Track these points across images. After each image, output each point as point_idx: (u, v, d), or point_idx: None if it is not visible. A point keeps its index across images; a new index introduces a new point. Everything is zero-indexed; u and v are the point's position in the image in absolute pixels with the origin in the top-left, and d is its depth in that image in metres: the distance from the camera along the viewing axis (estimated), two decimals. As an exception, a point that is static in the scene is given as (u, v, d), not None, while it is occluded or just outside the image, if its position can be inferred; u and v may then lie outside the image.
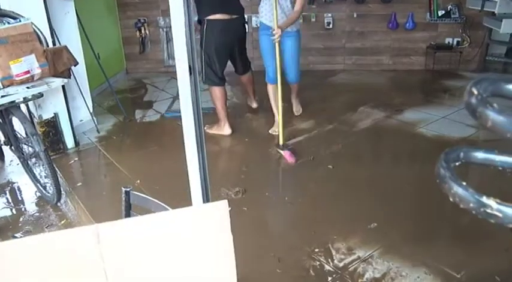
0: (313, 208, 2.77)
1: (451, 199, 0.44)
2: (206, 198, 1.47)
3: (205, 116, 3.87)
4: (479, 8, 5.16)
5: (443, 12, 5.61)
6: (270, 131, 3.90)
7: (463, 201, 0.42)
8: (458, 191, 0.42)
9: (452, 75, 5.52)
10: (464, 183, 0.43)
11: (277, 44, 3.47)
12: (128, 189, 1.41)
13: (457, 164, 0.46)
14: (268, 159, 3.48)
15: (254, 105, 4.51)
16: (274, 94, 3.74)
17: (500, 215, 0.39)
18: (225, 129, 3.88)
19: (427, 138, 3.75)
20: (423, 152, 3.53)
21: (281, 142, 3.54)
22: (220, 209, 0.73)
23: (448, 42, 5.75)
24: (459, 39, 5.73)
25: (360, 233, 2.45)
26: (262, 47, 3.83)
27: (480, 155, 0.47)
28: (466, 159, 0.47)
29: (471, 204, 0.41)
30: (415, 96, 4.88)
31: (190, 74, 1.48)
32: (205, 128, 3.86)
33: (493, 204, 0.40)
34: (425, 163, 3.21)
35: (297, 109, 4.29)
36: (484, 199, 0.40)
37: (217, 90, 3.81)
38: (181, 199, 1.58)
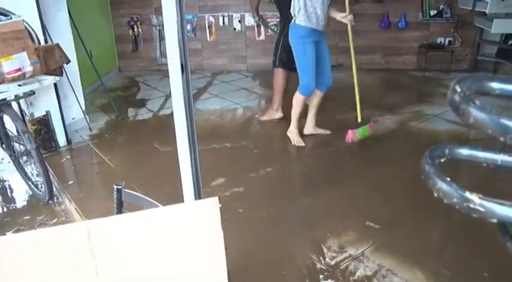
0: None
1: (435, 194, 0.45)
2: (198, 195, 1.48)
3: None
4: (471, 8, 5.21)
5: (435, 11, 5.65)
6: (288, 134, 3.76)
7: (447, 196, 0.43)
8: (442, 186, 0.43)
9: (444, 74, 5.56)
10: (448, 179, 0.44)
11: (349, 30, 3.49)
12: (120, 187, 1.41)
13: (442, 160, 0.47)
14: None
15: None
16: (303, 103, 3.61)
17: (482, 209, 0.40)
18: (277, 113, 4.14)
19: (420, 136, 3.79)
20: (415, 149, 3.55)
21: (359, 119, 3.66)
22: (211, 205, 0.73)
23: (440, 42, 5.79)
24: (451, 39, 5.78)
25: (355, 230, 2.47)
26: (308, 57, 3.40)
27: (465, 151, 0.47)
28: (451, 156, 0.48)
29: (454, 199, 0.42)
30: (407, 94, 4.91)
31: (183, 72, 1.48)
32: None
33: (475, 199, 0.41)
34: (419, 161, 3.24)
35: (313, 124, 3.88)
36: (467, 194, 0.41)
37: (282, 74, 4.01)
38: (174, 196, 1.58)
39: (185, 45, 1.48)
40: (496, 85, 0.45)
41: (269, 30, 5.58)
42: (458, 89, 0.42)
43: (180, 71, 1.47)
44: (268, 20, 5.44)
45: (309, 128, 3.80)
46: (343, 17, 3.44)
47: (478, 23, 5.40)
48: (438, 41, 5.79)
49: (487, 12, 5.09)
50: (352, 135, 3.58)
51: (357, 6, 5.68)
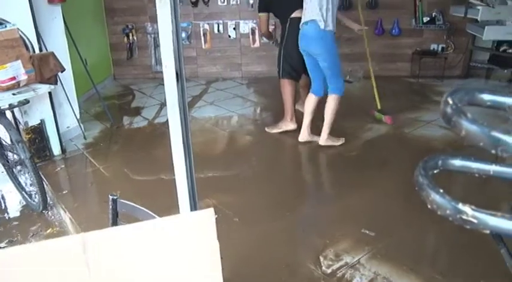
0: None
1: (429, 206, 0.45)
2: (194, 206, 1.47)
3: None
4: (463, 15, 5.25)
5: (428, 18, 5.71)
6: (300, 139, 3.79)
7: (440, 208, 0.43)
8: (436, 198, 0.44)
9: (437, 80, 5.60)
10: (441, 191, 0.45)
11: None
12: (115, 197, 1.40)
13: (435, 171, 0.48)
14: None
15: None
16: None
17: (475, 221, 0.41)
18: (291, 124, 4.00)
19: (414, 143, 3.80)
20: (410, 156, 3.57)
21: (379, 107, 4.14)
22: (207, 216, 0.73)
23: (433, 48, 5.84)
24: (444, 46, 5.83)
25: (350, 237, 2.47)
26: (337, 56, 3.55)
27: (457, 162, 0.48)
28: (444, 167, 0.49)
29: (448, 211, 0.42)
30: (402, 101, 4.94)
31: (178, 81, 1.48)
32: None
33: (468, 211, 0.41)
34: (415, 168, 3.25)
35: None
36: (460, 206, 0.42)
37: (289, 84, 3.96)
38: (170, 206, 1.58)
39: (180, 54, 1.48)
40: (486, 97, 0.46)
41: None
42: (450, 101, 0.42)
43: (175, 80, 1.47)
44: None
45: (305, 135, 3.78)
46: (360, 29, 3.86)
47: (470, 29, 5.46)
48: (431, 47, 5.84)
49: (478, 19, 5.14)
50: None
51: (351, 14, 5.71)
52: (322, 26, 3.34)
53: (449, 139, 3.79)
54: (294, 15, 3.80)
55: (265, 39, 5.52)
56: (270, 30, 4.30)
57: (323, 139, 3.68)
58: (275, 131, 4.04)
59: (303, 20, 3.48)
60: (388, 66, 5.94)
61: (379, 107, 4.30)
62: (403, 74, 5.89)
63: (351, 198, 2.92)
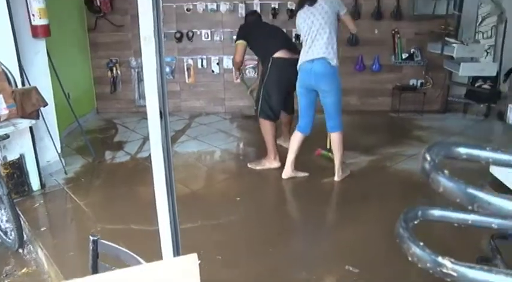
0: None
1: (409, 258, 0.46)
2: (176, 250, 1.45)
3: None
4: (440, 52, 5.46)
5: (407, 55, 5.90)
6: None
7: (421, 261, 0.44)
8: (416, 251, 0.44)
9: (417, 115, 5.73)
10: (421, 244, 0.45)
11: None
12: (96, 238, 1.37)
13: (415, 222, 0.49)
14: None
15: (287, 145, 4.54)
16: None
17: (455, 274, 0.41)
18: (275, 162, 3.97)
19: (396, 177, 3.84)
20: (392, 190, 3.60)
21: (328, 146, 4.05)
22: (190, 262, 0.72)
23: (413, 84, 6.01)
24: (422, 81, 6.01)
25: (334, 274, 2.45)
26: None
27: (436, 212, 0.49)
28: (424, 217, 0.50)
29: (428, 264, 0.43)
30: (383, 135, 5.02)
31: (161, 118, 1.48)
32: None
33: (447, 264, 0.42)
34: (398, 202, 3.28)
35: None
36: (440, 259, 0.42)
37: (268, 124, 3.94)
38: (153, 245, 1.55)
39: (164, 92, 1.48)
40: (462, 150, 0.47)
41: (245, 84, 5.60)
42: (428, 158, 0.44)
43: (158, 118, 1.47)
44: (246, 62, 5.53)
45: (289, 171, 3.76)
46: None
47: (447, 66, 5.66)
48: (411, 83, 6.01)
49: (454, 56, 5.35)
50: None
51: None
52: (332, 63, 3.41)
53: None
54: (277, 55, 3.85)
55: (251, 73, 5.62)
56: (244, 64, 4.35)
57: (338, 175, 3.70)
58: (258, 167, 4.02)
59: (305, 58, 3.46)
60: (370, 101, 6.06)
61: (328, 146, 4.09)
62: (384, 108, 6.02)
63: (334, 233, 2.92)
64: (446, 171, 0.43)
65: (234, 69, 4.42)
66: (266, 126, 3.96)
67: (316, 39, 3.40)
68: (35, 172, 3.61)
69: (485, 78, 5.74)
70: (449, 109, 6.04)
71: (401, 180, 3.78)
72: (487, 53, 5.73)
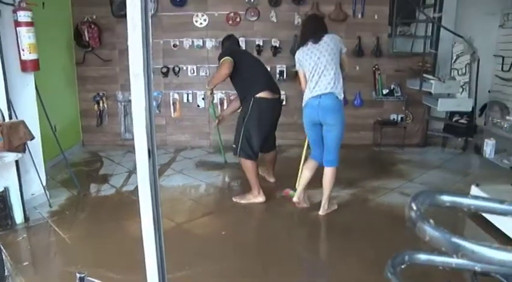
0: None
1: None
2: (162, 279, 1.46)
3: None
4: (418, 88, 5.67)
5: (387, 90, 6.11)
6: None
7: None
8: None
9: (398, 148, 5.88)
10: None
11: None
12: (83, 275, 1.38)
13: (402, 266, 0.55)
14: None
15: (272, 179, 4.60)
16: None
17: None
18: (259, 197, 4.02)
19: (378, 210, 3.92)
20: (374, 224, 3.66)
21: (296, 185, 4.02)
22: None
23: (393, 119, 6.20)
24: (403, 116, 6.21)
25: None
26: None
27: (423, 257, 0.55)
28: (411, 262, 0.56)
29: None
30: (365, 169, 5.12)
31: (149, 157, 1.46)
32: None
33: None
34: (380, 236, 3.34)
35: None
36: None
37: (249, 163, 3.97)
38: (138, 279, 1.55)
39: (152, 131, 1.46)
40: (446, 198, 0.54)
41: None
42: (414, 207, 0.50)
43: (147, 156, 1.44)
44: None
45: (301, 197, 3.86)
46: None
47: (426, 101, 5.87)
48: (391, 117, 6.20)
49: (432, 92, 5.57)
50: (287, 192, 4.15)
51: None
52: (340, 97, 3.51)
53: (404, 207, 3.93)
54: (260, 95, 3.89)
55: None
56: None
57: (324, 209, 3.75)
58: (243, 201, 4.05)
59: (312, 95, 3.52)
60: (352, 135, 6.19)
61: (296, 185, 4.09)
62: (366, 142, 6.16)
63: (318, 268, 2.94)
64: (431, 221, 0.49)
65: (208, 87, 4.21)
66: (247, 165, 3.99)
67: (323, 74, 3.46)
68: (19, 205, 3.57)
69: (462, 113, 5.97)
70: (428, 143, 6.22)
71: (383, 213, 3.85)
72: (463, 89, 5.97)
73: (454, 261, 0.54)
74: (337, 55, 3.50)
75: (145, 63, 1.43)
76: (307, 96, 3.57)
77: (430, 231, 0.47)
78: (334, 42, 3.49)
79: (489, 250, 0.44)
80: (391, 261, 0.54)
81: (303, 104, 3.62)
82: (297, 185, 4.03)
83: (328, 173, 3.66)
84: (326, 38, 3.50)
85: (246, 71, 3.99)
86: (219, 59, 4.05)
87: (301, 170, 3.93)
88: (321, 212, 3.75)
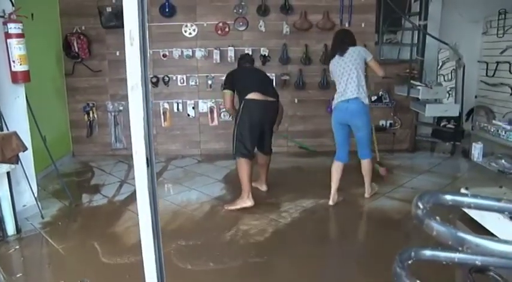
0: None
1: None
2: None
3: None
4: (406, 94, 5.77)
5: (376, 97, 6.19)
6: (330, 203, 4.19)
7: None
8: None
9: (388, 154, 5.95)
10: (418, 281, 0.55)
11: None
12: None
13: (409, 262, 0.58)
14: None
15: (264, 188, 4.60)
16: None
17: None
18: (248, 201, 4.07)
19: (371, 214, 3.97)
20: (368, 227, 3.71)
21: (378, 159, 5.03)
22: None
23: (382, 124, 6.28)
24: (391, 121, 6.30)
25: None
26: None
27: (428, 252, 0.59)
28: (417, 257, 0.59)
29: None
30: (356, 174, 5.16)
31: (148, 166, 1.46)
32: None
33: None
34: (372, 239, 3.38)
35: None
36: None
37: (244, 162, 4.04)
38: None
39: (150, 140, 1.46)
40: (448, 197, 0.58)
41: None
42: (421, 206, 0.54)
43: (145, 165, 1.45)
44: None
45: (335, 198, 4.20)
46: None
47: (414, 107, 5.97)
48: (380, 123, 6.28)
49: (419, 98, 5.67)
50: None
51: (304, 93, 6.13)
52: (365, 102, 4.00)
53: (402, 209, 3.99)
54: (249, 96, 4.02)
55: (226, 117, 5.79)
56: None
57: (368, 192, 4.34)
58: (232, 207, 4.09)
59: (341, 99, 4.01)
60: (342, 141, 6.26)
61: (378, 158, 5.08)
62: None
63: (307, 270, 2.96)
64: (437, 218, 0.53)
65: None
66: (242, 165, 4.06)
67: (348, 82, 3.96)
68: (11, 217, 3.54)
69: (449, 118, 6.09)
70: (417, 148, 6.32)
71: (376, 216, 3.91)
72: (449, 94, 6.10)
73: (456, 256, 0.57)
74: (361, 64, 3.99)
75: (143, 74, 1.46)
76: (336, 100, 4.09)
77: (437, 227, 0.51)
78: (358, 53, 3.98)
79: (491, 243, 0.47)
80: (399, 257, 0.58)
81: (333, 107, 4.18)
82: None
83: (366, 163, 4.25)
84: (350, 50, 4.00)
85: (241, 85, 4.17)
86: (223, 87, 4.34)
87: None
88: (366, 195, 4.33)
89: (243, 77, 4.26)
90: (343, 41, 4.10)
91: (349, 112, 3.99)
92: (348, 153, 4.20)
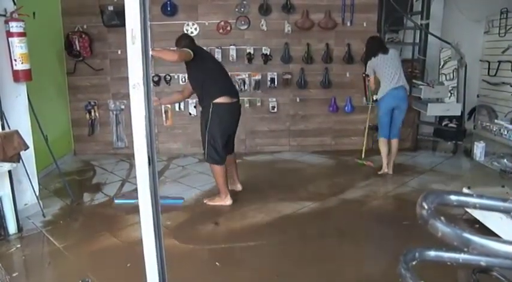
0: None
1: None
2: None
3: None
4: (408, 94, 5.75)
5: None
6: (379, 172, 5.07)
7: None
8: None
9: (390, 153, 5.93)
10: None
11: None
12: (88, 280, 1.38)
13: (414, 263, 0.58)
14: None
15: (239, 187, 4.58)
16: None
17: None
18: (227, 200, 4.16)
19: (370, 214, 3.96)
20: (366, 226, 3.70)
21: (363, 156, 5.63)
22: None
23: (384, 124, 6.25)
24: (393, 121, 6.26)
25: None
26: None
27: (432, 253, 0.58)
28: (421, 258, 0.59)
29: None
30: (357, 174, 5.17)
31: (149, 165, 1.47)
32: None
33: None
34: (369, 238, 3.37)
35: None
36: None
37: (217, 168, 4.08)
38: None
39: (152, 139, 1.47)
40: (453, 197, 0.57)
41: None
42: (425, 206, 0.53)
43: (147, 164, 1.46)
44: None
45: (386, 170, 5.07)
46: None
47: (416, 106, 5.95)
48: (382, 123, 6.24)
49: (421, 97, 5.66)
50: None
51: (305, 92, 6.12)
52: (407, 89, 5.00)
53: (402, 209, 3.98)
54: (219, 100, 3.92)
55: None
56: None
57: (391, 168, 5.08)
58: (211, 203, 4.20)
59: (391, 87, 4.82)
60: (343, 141, 6.27)
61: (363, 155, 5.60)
62: (357, 147, 6.19)
63: (304, 272, 2.95)
64: (442, 218, 0.52)
65: (153, 52, 3.77)
66: (215, 170, 4.09)
67: (396, 74, 4.83)
68: (12, 215, 3.54)
69: (451, 118, 6.07)
70: (419, 147, 6.30)
71: (375, 216, 3.91)
72: (451, 93, 6.08)
73: (461, 256, 0.57)
74: (400, 61, 4.96)
75: (144, 73, 1.46)
76: (386, 88, 4.85)
77: (442, 227, 0.50)
78: (396, 53, 4.99)
79: (496, 243, 0.47)
80: (403, 258, 0.57)
81: (381, 96, 4.94)
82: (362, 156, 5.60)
83: (395, 143, 5.08)
84: (391, 51, 4.92)
85: (207, 73, 4.00)
86: (177, 45, 4.17)
87: (366, 140, 5.76)
88: (390, 172, 5.05)
89: (211, 68, 4.07)
90: (381, 43, 5.07)
91: (398, 97, 4.84)
92: (389, 131, 5.02)
